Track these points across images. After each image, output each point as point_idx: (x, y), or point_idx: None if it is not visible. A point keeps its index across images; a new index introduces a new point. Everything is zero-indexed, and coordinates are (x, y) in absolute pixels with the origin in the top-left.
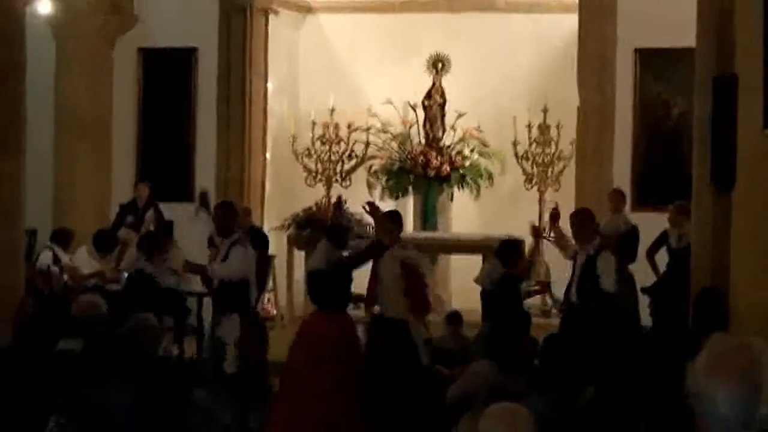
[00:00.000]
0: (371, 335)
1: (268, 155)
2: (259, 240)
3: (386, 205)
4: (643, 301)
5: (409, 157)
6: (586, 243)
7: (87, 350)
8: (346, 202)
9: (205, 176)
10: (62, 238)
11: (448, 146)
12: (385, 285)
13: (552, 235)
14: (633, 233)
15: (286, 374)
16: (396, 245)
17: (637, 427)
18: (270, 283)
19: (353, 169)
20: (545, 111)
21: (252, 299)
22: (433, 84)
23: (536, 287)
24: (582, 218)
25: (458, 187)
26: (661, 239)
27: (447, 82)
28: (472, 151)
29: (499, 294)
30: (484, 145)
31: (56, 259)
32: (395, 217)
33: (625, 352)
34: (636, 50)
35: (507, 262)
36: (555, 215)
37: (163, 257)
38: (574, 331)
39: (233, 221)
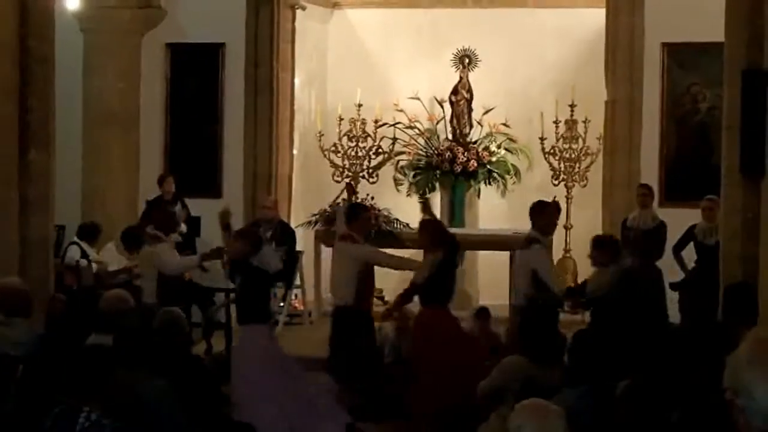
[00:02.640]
0: None
1: (295, 150)
2: (287, 235)
3: (413, 201)
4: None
5: (435, 152)
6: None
7: (118, 344)
8: (373, 198)
9: (233, 171)
10: (88, 233)
11: (475, 142)
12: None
13: None
14: (661, 229)
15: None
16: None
17: (671, 421)
18: (297, 280)
19: (380, 165)
20: (572, 106)
21: None
22: (460, 79)
23: None
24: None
25: (485, 183)
26: (688, 235)
27: (474, 77)
28: (499, 146)
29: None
30: (511, 140)
31: (84, 255)
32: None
33: (655, 346)
34: (663, 44)
35: None
36: None
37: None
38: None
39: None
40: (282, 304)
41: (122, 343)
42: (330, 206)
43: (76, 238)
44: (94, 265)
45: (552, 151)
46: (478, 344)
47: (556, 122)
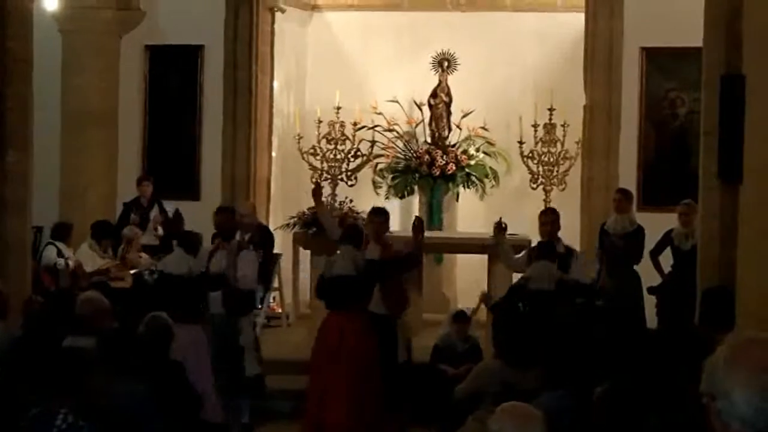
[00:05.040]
0: None
1: (274, 153)
2: (265, 238)
3: (392, 204)
4: (648, 300)
5: (414, 155)
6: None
7: (98, 346)
8: (352, 201)
9: (211, 174)
10: (62, 232)
11: (454, 145)
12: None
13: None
14: (638, 233)
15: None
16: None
17: (648, 424)
18: (275, 282)
19: (359, 167)
20: (551, 110)
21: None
22: (439, 82)
23: None
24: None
25: (464, 186)
26: (665, 240)
27: (453, 80)
28: (477, 150)
29: None
30: (490, 143)
31: (60, 255)
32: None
33: (633, 350)
34: (642, 49)
35: None
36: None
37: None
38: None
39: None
40: (260, 306)
41: (100, 345)
42: (308, 209)
43: (50, 239)
44: (71, 262)
45: (530, 154)
46: None
47: (534, 126)
